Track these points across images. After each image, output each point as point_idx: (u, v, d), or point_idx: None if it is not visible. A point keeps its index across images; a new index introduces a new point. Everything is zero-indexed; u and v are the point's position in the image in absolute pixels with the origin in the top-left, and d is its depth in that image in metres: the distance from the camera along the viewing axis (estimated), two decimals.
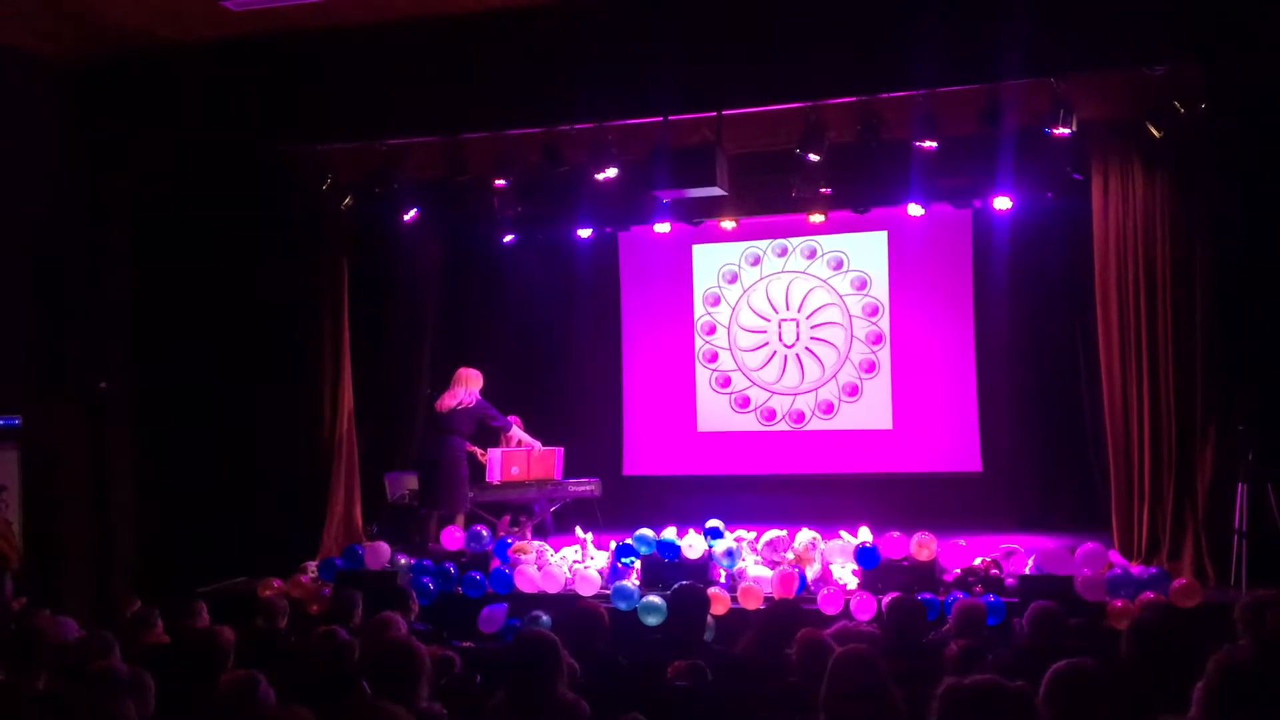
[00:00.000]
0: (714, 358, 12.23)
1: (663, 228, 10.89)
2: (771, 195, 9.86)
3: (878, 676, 3.72)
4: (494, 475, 9.89)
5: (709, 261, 12.23)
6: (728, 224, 10.93)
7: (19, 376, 8.76)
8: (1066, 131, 7.68)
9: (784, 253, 11.99)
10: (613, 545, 8.52)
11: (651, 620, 7.48)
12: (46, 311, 8.99)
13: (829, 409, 11.82)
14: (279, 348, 9.78)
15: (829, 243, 11.80)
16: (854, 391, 11.76)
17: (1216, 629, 5.65)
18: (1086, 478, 10.22)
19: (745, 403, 12.10)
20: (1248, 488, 7.79)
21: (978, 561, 7.90)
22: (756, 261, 12.09)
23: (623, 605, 7.71)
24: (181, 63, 8.83)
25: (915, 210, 9.97)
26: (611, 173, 8.51)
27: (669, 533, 8.37)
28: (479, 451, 10.01)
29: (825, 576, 7.93)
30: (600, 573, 8.25)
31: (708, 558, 8.12)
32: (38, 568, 8.47)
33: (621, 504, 11.11)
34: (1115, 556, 8.15)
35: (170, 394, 9.72)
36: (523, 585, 8.23)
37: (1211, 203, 8.17)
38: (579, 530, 9.17)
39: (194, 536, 9.37)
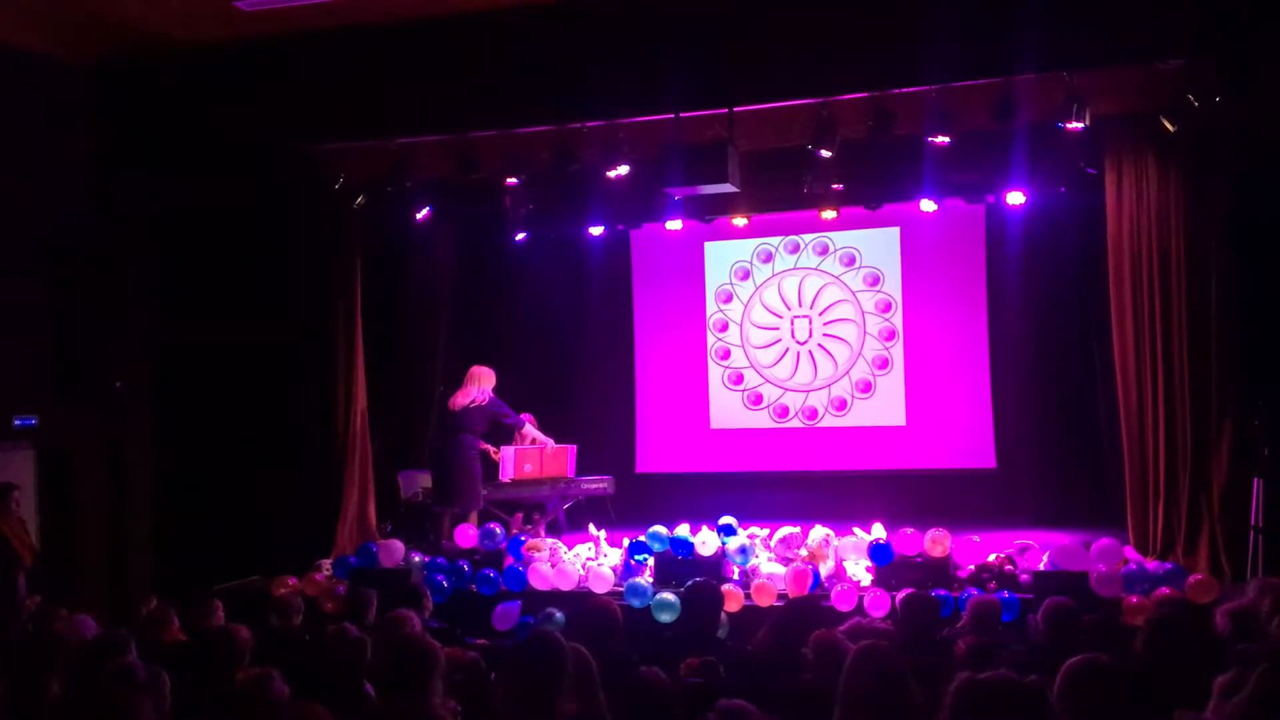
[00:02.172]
0: (726, 355, 12.21)
1: (675, 225, 10.88)
2: (783, 191, 9.80)
3: (898, 672, 3.70)
4: (507, 473, 9.90)
5: (721, 258, 12.22)
6: (740, 221, 10.91)
7: (36, 375, 8.81)
8: (1080, 126, 7.64)
9: (796, 249, 11.97)
10: (626, 542, 8.52)
11: (665, 617, 7.48)
12: (64, 311, 9.04)
13: (842, 405, 11.80)
14: (293, 346, 9.82)
15: (841, 239, 11.77)
16: (867, 388, 11.73)
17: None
18: (1101, 473, 10.16)
19: (758, 400, 12.09)
20: (1264, 483, 7.76)
21: (992, 558, 7.88)
22: (769, 258, 12.07)
23: (636, 602, 7.71)
24: (194, 63, 8.86)
25: (928, 206, 9.94)
26: (623, 170, 8.51)
27: (682, 530, 8.37)
28: (492, 449, 10.02)
29: (839, 573, 7.92)
30: (614, 570, 8.27)
31: (721, 555, 8.12)
32: (54, 566, 8.52)
33: (634, 501, 11.10)
34: (1130, 552, 8.12)
35: (185, 393, 9.76)
36: (536, 583, 8.24)
37: (1226, 197, 8.13)
38: (592, 528, 9.18)
39: (209, 535, 9.41)
